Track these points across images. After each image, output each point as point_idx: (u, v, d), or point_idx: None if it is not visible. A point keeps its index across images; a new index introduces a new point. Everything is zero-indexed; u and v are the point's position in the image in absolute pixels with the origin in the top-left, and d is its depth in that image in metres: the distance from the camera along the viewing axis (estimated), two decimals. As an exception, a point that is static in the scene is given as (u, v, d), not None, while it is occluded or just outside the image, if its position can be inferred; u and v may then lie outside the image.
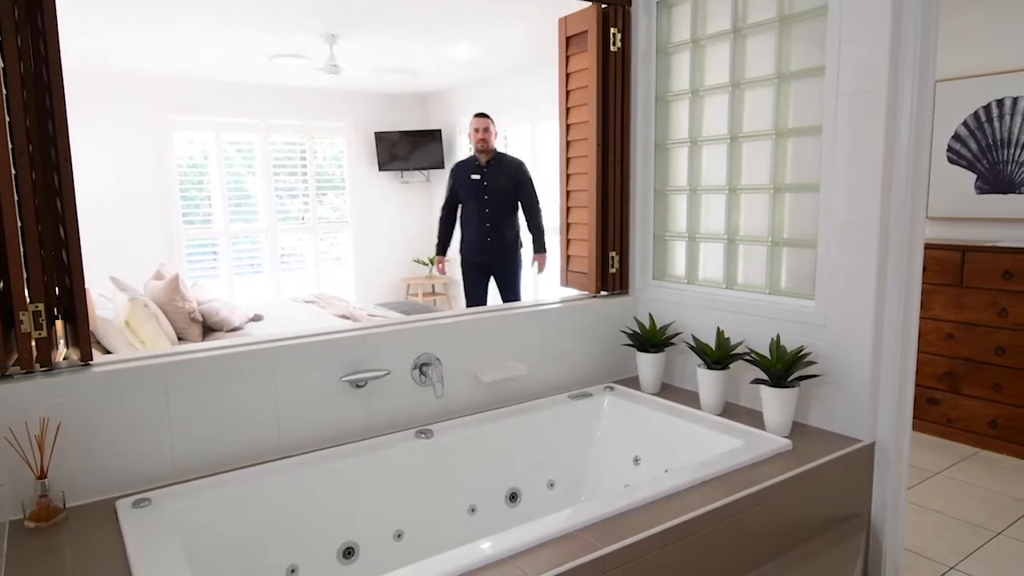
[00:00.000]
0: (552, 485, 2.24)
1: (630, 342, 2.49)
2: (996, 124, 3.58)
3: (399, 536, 1.93)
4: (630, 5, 2.48)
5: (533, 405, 2.29)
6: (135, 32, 4.66)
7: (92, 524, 1.53)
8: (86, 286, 1.64)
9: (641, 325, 2.42)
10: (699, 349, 2.18)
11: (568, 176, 2.71)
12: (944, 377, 3.55)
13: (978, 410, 3.42)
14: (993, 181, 3.62)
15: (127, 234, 6.22)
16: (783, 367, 1.96)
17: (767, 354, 2.04)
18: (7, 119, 1.49)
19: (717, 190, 2.34)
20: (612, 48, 2.47)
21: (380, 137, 7.48)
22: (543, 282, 5.66)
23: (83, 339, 1.65)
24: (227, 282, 6.86)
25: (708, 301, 2.34)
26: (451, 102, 7.53)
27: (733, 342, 2.21)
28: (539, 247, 4.68)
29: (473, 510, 2.08)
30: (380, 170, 7.58)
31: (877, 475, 1.96)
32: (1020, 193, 3.53)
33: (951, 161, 3.78)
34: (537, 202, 4.60)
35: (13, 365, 1.58)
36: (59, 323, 1.66)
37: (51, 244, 1.61)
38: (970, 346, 3.43)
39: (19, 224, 1.53)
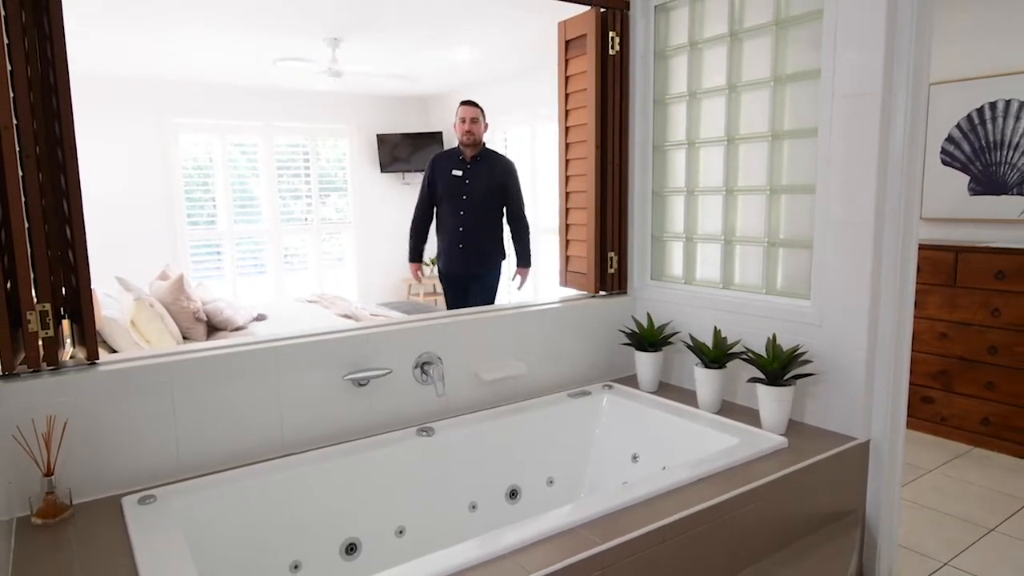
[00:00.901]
0: (552, 482, 2.26)
1: (628, 341, 2.51)
2: (989, 126, 3.60)
3: (401, 532, 1.96)
4: (628, 9, 2.50)
5: (533, 403, 2.31)
6: (141, 36, 4.69)
7: (98, 520, 1.55)
8: (92, 286, 1.66)
9: (639, 324, 2.44)
10: (696, 348, 2.21)
11: (567, 177, 2.73)
12: (938, 376, 3.57)
13: (971, 408, 3.44)
14: (986, 183, 3.64)
15: (133, 235, 6.24)
16: (779, 366, 1.98)
17: (763, 353, 2.07)
18: (15, 121, 1.51)
19: (714, 191, 2.37)
20: (611, 52, 2.49)
21: (382, 139, 7.51)
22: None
23: (89, 338, 1.67)
24: (231, 282, 6.89)
25: (705, 301, 2.36)
26: (452, 104, 7.51)
27: (730, 341, 2.23)
28: (523, 260, 4.08)
29: (474, 507, 2.10)
30: (382, 172, 7.61)
31: (872, 472, 1.98)
32: (1012, 195, 3.55)
33: (945, 163, 3.80)
34: (523, 208, 4.03)
35: (20, 364, 1.59)
36: (66, 323, 1.69)
37: (58, 245, 1.63)
38: (963, 345, 3.45)
39: (26, 225, 1.55)
